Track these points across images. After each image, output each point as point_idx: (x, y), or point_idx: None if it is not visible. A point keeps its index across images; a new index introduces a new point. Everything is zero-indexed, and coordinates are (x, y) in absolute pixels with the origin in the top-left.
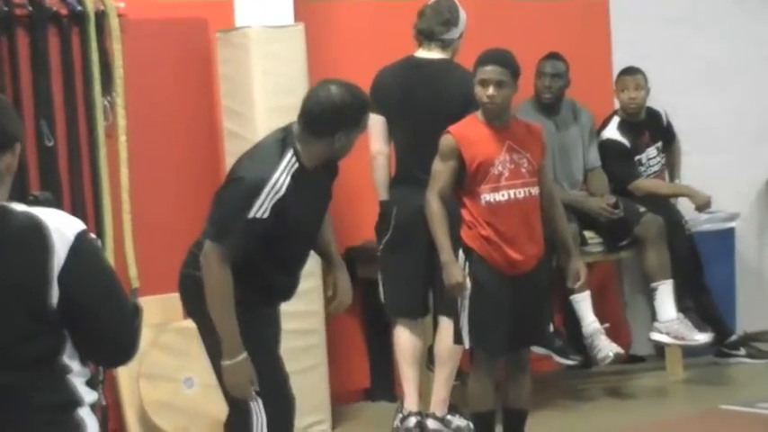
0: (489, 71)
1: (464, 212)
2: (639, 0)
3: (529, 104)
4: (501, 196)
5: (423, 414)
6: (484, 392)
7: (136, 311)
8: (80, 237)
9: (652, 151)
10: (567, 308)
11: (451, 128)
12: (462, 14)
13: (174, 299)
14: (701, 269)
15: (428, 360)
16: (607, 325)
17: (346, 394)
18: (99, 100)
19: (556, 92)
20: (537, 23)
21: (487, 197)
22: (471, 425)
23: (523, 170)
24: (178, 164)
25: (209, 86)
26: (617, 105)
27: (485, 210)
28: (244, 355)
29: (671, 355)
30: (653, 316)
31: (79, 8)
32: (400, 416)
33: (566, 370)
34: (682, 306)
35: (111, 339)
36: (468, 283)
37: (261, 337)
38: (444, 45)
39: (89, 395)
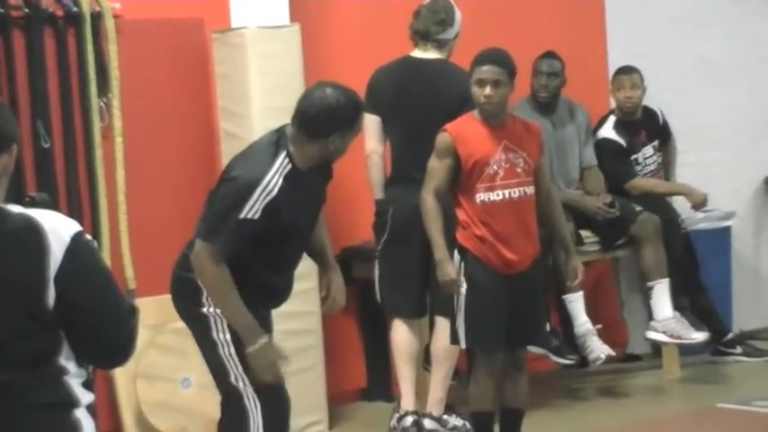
0: (486, 71)
1: (459, 212)
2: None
3: (525, 103)
4: (496, 196)
5: (419, 414)
6: (484, 393)
7: (132, 312)
8: (76, 238)
9: (648, 150)
10: (562, 307)
11: (448, 126)
12: (458, 14)
13: (171, 299)
14: (697, 268)
15: (425, 360)
16: (599, 326)
17: (343, 394)
18: (95, 101)
19: (552, 90)
20: (533, 22)
21: (482, 196)
22: (468, 425)
23: (519, 170)
24: (174, 164)
25: (205, 87)
26: (613, 104)
27: (479, 209)
28: (264, 338)
29: (667, 354)
30: (649, 315)
31: (75, 9)
32: (397, 415)
33: (562, 369)
34: (678, 305)
35: (108, 340)
36: (464, 283)
37: None
38: (440, 45)
39: (85, 396)
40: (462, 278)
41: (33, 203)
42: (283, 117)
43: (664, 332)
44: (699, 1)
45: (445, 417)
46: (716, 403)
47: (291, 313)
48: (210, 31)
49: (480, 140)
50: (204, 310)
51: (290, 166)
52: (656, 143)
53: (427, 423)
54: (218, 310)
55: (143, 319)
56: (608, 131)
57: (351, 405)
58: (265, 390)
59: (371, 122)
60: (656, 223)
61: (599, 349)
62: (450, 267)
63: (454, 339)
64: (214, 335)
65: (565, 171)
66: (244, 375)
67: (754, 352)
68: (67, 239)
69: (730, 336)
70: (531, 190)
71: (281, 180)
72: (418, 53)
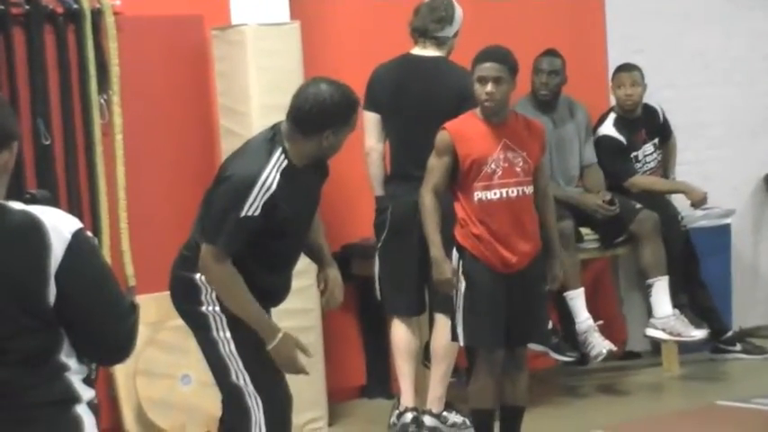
0: (487, 68)
1: (458, 209)
2: None
3: (525, 101)
4: (493, 195)
5: (419, 410)
6: (485, 390)
7: (132, 309)
8: (77, 235)
9: (648, 148)
10: (562, 305)
11: (447, 124)
12: (458, 12)
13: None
14: (696, 265)
15: (424, 357)
16: (601, 322)
17: (343, 391)
18: (95, 98)
19: (553, 89)
20: (532, 20)
21: (480, 195)
22: (468, 421)
23: (518, 169)
24: (174, 161)
25: (205, 84)
26: (613, 102)
27: (477, 207)
28: (281, 333)
29: (667, 352)
30: (649, 312)
31: (75, 6)
32: (397, 412)
33: (562, 366)
34: (677, 302)
35: (108, 337)
36: (463, 281)
37: (255, 335)
38: (439, 43)
39: (86, 392)
40: (461, 276)
41: (34, 200)
42: (283, 114)
43: (663, 329)
44: None
45: (445, 413)
46: (715, 400)
47: (291, 310)
48: (210, 29)
49: (479, 139)
50: (203, 308)
51: (286, 162)
52: (656, 141)
53: (427, 420)
54: (217, 309)
55: (143, 316)
56: (608, 129)
57: (350, 402)
58: (267, 387)
59: (371, 120)
60: (655, 221)
61: (600, 345)
62: (446, 266)
63: (454, 337)
64: (214, 333)
65: (565, 169)
66: (245, 373)
67: (754, 349)
68: (68, 236)
69: (730, 333)
70: (529, 189)
71: (278, 176)
72: (418, 51)
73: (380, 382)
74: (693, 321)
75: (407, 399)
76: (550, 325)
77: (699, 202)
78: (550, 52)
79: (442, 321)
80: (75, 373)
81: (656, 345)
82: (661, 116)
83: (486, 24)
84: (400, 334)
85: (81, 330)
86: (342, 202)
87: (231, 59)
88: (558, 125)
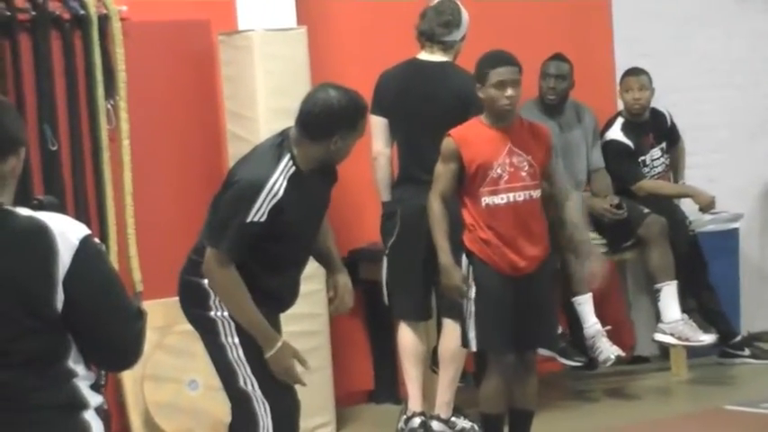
0: (507, 72)
1: (465, 215)
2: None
3: (532, 105)
4: (500, 199)
5: (427, 415)
6: (495, 395)
7: (140, 315)
8: (84, 241)
9: (656, 152)
10: (570, 309)
11: (453, 130)
12: (465, 16)
13: (178, 302)
14: (705, 270)
15: (432, 362)
16: (609, 327)
17: (350, 396)
18: (102, 103)
19: (560, 93)
20: (539, 24)
21: (487, 200)
22: (476, 427)
23: (524, 173)
24: (181, 167)
25: (211, 89)
26: (620, 106)
27: (485, 212)
28: (280, 342)
29: (675, 356)
30: (657, 316)
31: (82, 12)
32: (404, 417)
33: (570, 371)
34: (685, 307)
35: (115, 343)
36: (473, 287)
37: None
38: (446, 47)
39: (94, 398)
40: (471, 282)
41: (41, 206)
42: (289, 119)
43: (671, 334)
44: (704, 1)
45: (453, 419)
46: (723, 405)
47: (298, 315)
48: (217, 34)
49: (484, 144)
50: (212, 313)
51: (293, 168)
52: (663, 145)
53: (435, 425)
54: (225, 314)
55: (150, 321)
56: (615, 133)
57: (358, 407)
58: (274, 393)
59: (378, 124)
60: (663, 225)
61: (608, 350)
62: (455, 273)
63: (465, 343)
64: (222, 338)
65: (572, 173)
66: (253, 378)
67: (762, 354)
68: (76, 243)
69: (738, 338)
70: (536, 194)
71: (285, 182)
72: (424, 55)
73: (388, 386)
74: (701, 326)
75: (415, 403)
76: (560, 330)
77: (706, 206)
78: (558, 56)
79: (449, 326)
80: (83, 380)
81: (664, 349)
82: (669, 120)
83: (492, 28)
84: (408, 338)
85: (88, 336)
86: (349, 207)
87: (238, 64)
88: (566, 130)
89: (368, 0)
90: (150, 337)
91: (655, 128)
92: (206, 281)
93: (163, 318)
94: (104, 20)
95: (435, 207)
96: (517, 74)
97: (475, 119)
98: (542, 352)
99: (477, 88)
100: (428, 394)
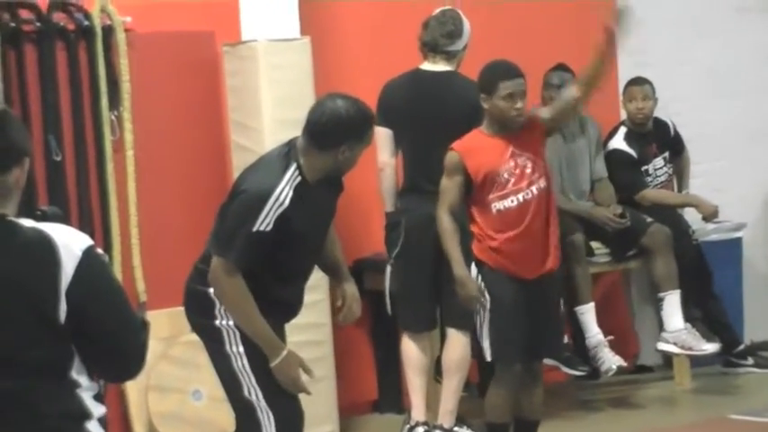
0: (517, 84)
1: (473, 227)
2: (644, 9)
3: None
4: (510, 202)
5: (430, 425)
6: (502, 405)
7: (143, 326)
8: (88, 252)
9: (659, 162)
10: (573, 319)
11: (455, 144)
12: (466, 26)
13: (183, 312)
14: (709, 279)
15: (436, 371)
16: (611, 337)
17: (354, 406)
18: (106, 114)
19: None
20: (542, 33)
21: (497, 205)
22: None
23: (528, 171)
24: (185, 177)
25: (216, 100)
26: (623, 115)
27: (496, 219)
28: (286, 351)
29: (678, 365)
30: (660, 326)
31: (86, 23)
32: (408, 426)
33: (573, 380)
34: (690, 316)
35: (118, 354)
36: (486, 296)
37: None
38: (449, 57)
39: (97, 409)
40: (483, 291)
41: (44, 217)
42: (294, 130)
43: (675, 343)
44: (706, 11)
45: (456, 428)
46: (727, 414)
47: (302, 325)
48: (221, 44)
49: (488, 152)
50: (217, 323)
51: (299, 177)
52: (666, 154)
53: None
54: (231, 323)
55: (155, 331)
56: (619, 142)
57: (362, 417)
58: (279, 403)
59: (383, 135)
60: (666, 234)
61: (610, 360)
62: (471, 284)
63: (477, 353)
64: (227, 348)
65: (576, 183)
66: (257, 388)
67: (766, 363)
68: (79, 254)
69: (741, 347)
70: (543, 182)
71: (291, 192)
72: (427, 66)
73: (392, 396)
74: (705, 335)
75: (419, 413)
76: (566, 339)
77: (710, 215)
78: (561, 67)
79: (454, 336)
80: (87, 390)
81: (667, 358)
82: (672, 130)
83: (495, 38)
84: (411, 349)
85: (91, 347)
86: (354, 217)
87: (242, 75)
88: (569, 140)
89: (371, 10)
90: (155, 347)
91: (658, 137)
92: (212, 290)
93: (168, 328)
94: (109, 31)
95: (445, 221)
96: (524, 85)
97: (475, 130)
98: (546, 361)
99: (481, 98)
100: (432, 404)
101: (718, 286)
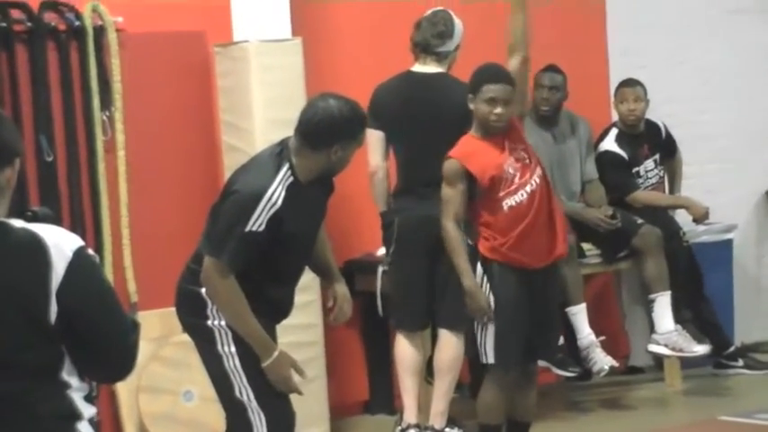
0: (498, 90)
1: (480, 226)
2: (637, 10)
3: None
4: (521, 196)
5: (422, 426)
6: (495, 406)
7: (134, 327)
8: (78, 253)
9: (650, 163)
10: (564, 320)
11: (452, 152)
12: (458, 26)
13: (174, 313)
14: (700, 280)
15: (427, 372)
16: (603, 338)
17: (345, 407)
18: (98, 114)
19: (554, 104)
20: (534, 35)
21: (509, 202)
22: None
23: (526, 161)
24: (177, 178)
25: (207, 100)
26: (615, 117)
27: (508, 216)
28: (277, 351)
29: (669, 367)
30: (651, 327)
31: (77, 23)
32: (399, 428)
33: (565, 381)
34: (681, 317)
35: (109, 355)
36: (491, 298)
37: None
38: (440, 58)
39: (88, 410)
40: (488, 292)
41: (35, 218)
42: (286, 130)
43: (665, 345)
44: (699, 12)
45: (447, 429)
46: (717, 416)
47: (294, 326)
48: (212, 45)
49: (487, 153)
50: (209, 323)
51: (292, 178)
52: (657, 156)
53: None
54: (222, 323)
55: (146, 332)
56: (610, 144)
57: (353, 418)
58: (270, 403)
59: (375, 138)
60: (657, 236)
61: (602, 361)
62: (482, 296)
63: (477, 355)
64: (219, 348)
65: (566, 184)
66: (248, 388)
67: (756, 365)
68: (69, 254)
69: (732, 348)
70: (539, 169)
71: (284, 192)
72: (419, 67)
73: (383, 397)
74: (695, 337)
75: (410, 414)
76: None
77: (701, 217)
78: (551, 68)
79: (446, 337)
80: (77, 391)
81: (658, 360)
82: (663, 132)
83: (487, 39)
84: (404, 349)
85: (81, 348)
86: (345, 218)
87: (233, 76)
88: (560, 140)
89: (363, 11)
90: (146, 347)
91: (649, 139)
92: (204, 290)
93: (159, 328)
94: (100, 31)
95: (451, 231)
96: (510, 93)
97: (467, 135)
98: (538, 362)
99: (469, 99)
100: (423, 405)
101: (709, 288)
